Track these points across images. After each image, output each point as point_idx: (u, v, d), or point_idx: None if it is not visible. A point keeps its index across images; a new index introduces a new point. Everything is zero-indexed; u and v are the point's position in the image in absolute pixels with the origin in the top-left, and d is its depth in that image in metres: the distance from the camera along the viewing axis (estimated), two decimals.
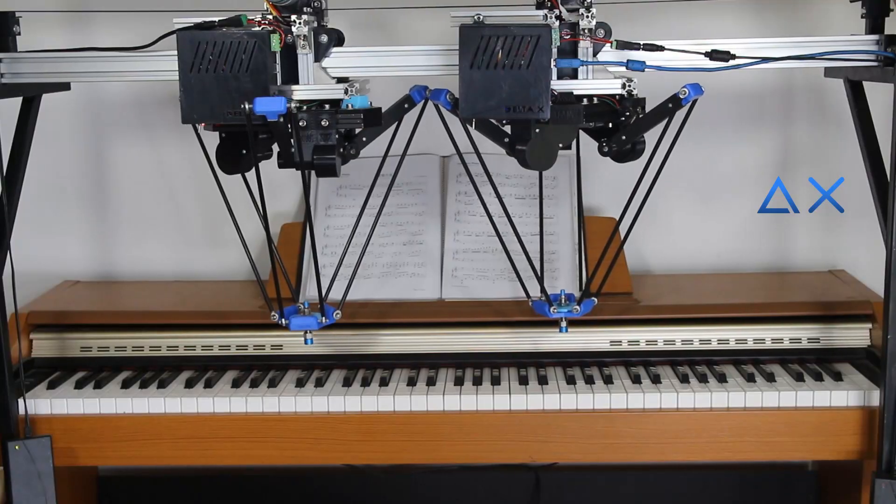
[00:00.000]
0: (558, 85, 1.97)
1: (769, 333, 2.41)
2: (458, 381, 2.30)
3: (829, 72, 2.34)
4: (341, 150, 2.01)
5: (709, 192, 2.83)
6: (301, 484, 2.89)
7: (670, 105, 2.00)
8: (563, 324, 2.21)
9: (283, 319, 2.12)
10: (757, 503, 2.86)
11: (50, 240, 2.88)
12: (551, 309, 2.18)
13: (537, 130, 1.96)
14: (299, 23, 1.94)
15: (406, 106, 2.07)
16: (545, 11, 1.91)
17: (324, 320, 2.12)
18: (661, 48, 2.00)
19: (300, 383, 2.30)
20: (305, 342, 2.15)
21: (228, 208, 2.13)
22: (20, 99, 2.23)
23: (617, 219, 2.18)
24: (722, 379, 2.28)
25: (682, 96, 1.98)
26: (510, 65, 1.87)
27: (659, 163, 2.03)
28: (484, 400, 2.22)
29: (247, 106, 1.85)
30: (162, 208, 2.87)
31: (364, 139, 2.05)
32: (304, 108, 1.95)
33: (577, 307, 2.18)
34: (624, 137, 2.01)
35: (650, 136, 2.05)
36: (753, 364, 2.38)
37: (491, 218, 2.19)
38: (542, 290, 2.20)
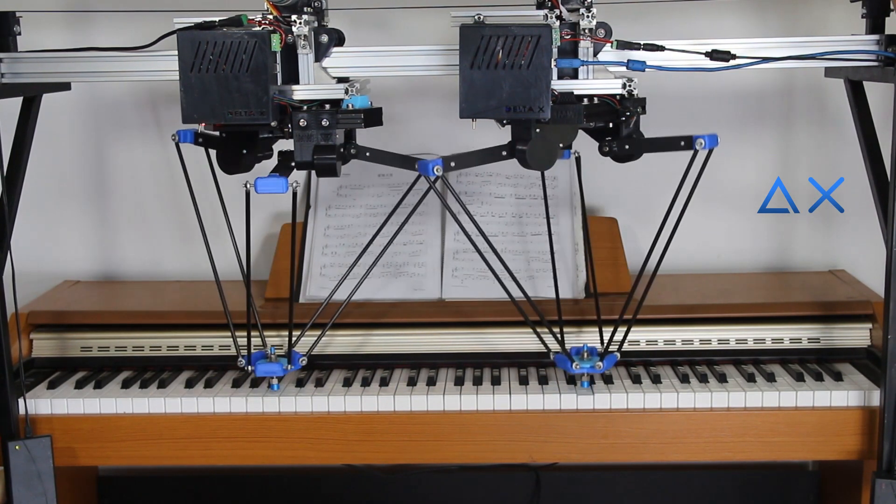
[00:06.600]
0: (559, 85, 1.97)
1: (769, 333, 2.41)
2: (459, 381, 2.30)
3: (830, 72, 2.34)
4: (342, 150, 2.01)
5: (709, 192, 2.83)
6: (301, 484, 2.89)
7: (682, 143, 2.01)
8: (585, 379, 2.22)
9: (248, 365, 2.19)
10: (757, 503, 2.86)
11: (50, 240, 2.88)
12: (573, 365, 2.16)
13: (537, 130, 1.96)
14: (300, 23, 1.94)
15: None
16: (545, 11, 1.91)
17: (289, 367, 2.19)
18: (661, 48, 2.00)
19: (300, 383, 2.30)
20: (270, 387, 2.23)
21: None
22: (20, 99, 2.23)
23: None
24: (722, 379, 2.28)
25: (698, 147, 1.99)
26: (510, 65, 1.87)
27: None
28: (484, 400, 2.22)
29: (248, 185, 1.97)
30: (162, 208, 2.87)
31: (367, 154, 2.04)
32: (305, 107, 1.95)
33: (601, 363, 2.16)
34: (627, 147, 2.02)
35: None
36: (754, 364, 2.38)
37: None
38: (562, 345, 2.18)
